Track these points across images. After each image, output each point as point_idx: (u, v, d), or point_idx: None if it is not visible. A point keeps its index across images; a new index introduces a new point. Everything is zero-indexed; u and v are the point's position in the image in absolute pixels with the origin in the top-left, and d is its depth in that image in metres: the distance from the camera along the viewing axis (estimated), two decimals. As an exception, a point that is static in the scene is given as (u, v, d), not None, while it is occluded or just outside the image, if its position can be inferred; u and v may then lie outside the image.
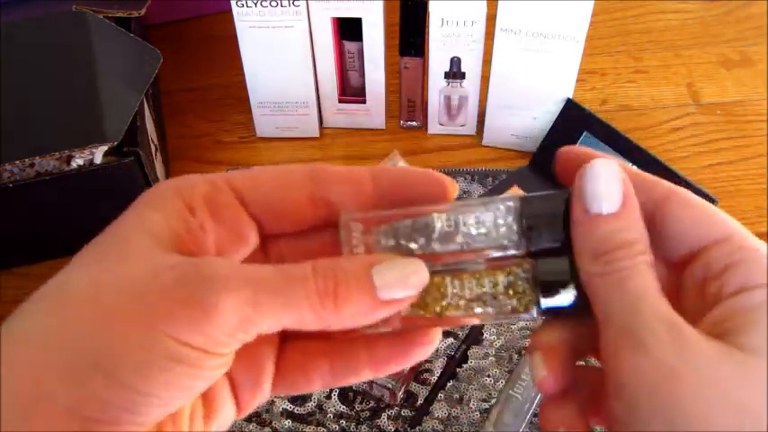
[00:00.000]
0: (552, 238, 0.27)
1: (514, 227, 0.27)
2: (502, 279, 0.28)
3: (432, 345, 0.29)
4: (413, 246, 0.28)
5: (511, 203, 0.28)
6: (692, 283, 0.27)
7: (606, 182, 0.26)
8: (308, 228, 0.29)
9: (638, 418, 0.23)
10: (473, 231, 0.28)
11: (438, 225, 0.27)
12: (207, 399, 0.27)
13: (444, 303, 0.28)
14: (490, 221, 0.28)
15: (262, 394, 0.29)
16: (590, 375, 0.29)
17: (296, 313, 0.25)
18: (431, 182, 0.28)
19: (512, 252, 0.28)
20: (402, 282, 0.26)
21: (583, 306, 0.27)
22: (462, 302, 0.28)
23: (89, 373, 0.23)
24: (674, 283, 0.27)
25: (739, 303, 0.24)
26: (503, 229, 0.28)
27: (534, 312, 0.28)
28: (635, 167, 0.28)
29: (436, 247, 0.28)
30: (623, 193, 0.26)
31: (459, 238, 0.27)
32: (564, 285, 0.27)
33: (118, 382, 0.23)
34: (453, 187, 0.28)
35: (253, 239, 0.28)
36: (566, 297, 0.27)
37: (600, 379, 0.26)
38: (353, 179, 0.28)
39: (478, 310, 0.28)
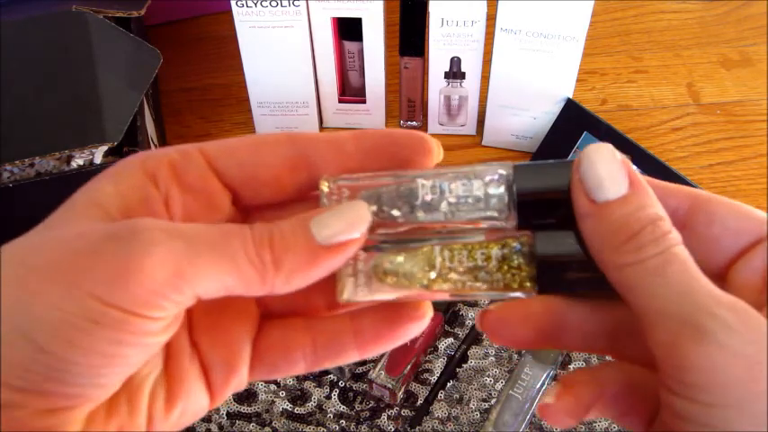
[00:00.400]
0: (548, 213, 0.25)
1: (505, 198, 0.25)
2: (495, 252, 0.26)
3: (422, 320, 0.27)
4: (395, 213, 0.26)
5: (503, 171, 0.25)
6: (746, 278, 0.25)
7: (606, 165, 0.24)
8: (289, 197, 0.27)
9: (716, 415, 0.21)
10: (459, 200, 0.26)
11: (422, 192, 0.26)
12: (170, 380, 0.26)
13: (432, 276, 0.26)
14: (479, 190, 0.25)
15: (238, 379, 0.27)
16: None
17: (233, 269, 0.23)
18: (415, 141, 0.26)
19: (501, 224, 0.26)
20: (340, 223, 0.24)
21: (589, 285, 0.25)
22: (452, 275, 0.26)
23: (13, 337, 0.21)
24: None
25: None
26: (492, 200, 0.25)
27: (530, 291, 0.26)
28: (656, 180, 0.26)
29: (420, 214, 0.26)
30: (627, 173, 0.24)
31: (444, 207, 0.26)
32: (566, 261, 0.25)
33: (36, 347, 0.21)
34: (438, 147, 0.27)
35: (225, 208, 0.27)
36: (568, 274, 0.25)
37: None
38: (335, 142, 0.26)
39: (469, 284, 0.26)
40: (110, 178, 0.25)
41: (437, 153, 0.26)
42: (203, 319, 0.27)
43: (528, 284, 0.25)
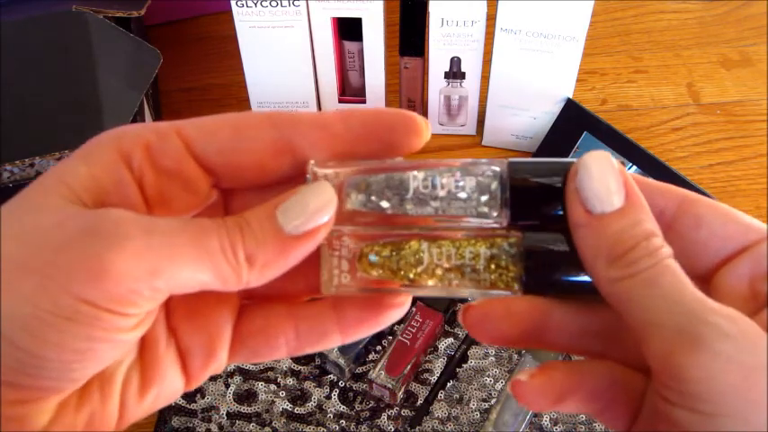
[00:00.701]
0: (540, 211, 0.25)
1: (498, 195, 0.25)
2: (483, 251, 0.25)
3: (402, 307, 0.27)
4: (384, 204, 0.25)
5: (497, 168, 0.25)
6: (731, 285, 0.25)
7: (604, 176, 0.24)
8: (274, 180, 0.26)
9: (714, 423, 0.21)
10: (451, 195, 0.25)
11: (414, 184, 0.25)
12: (145, 366, 0.25)
13: (418, 270, 0.25)
14: (471, 187, 0.25)
15: (216, 364, 0.26)
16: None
17: (210, 267, 0.23)
18: (403, 121, 0.25)
19: (492, 223, 0.25)
20: (306, 210, 0.24)
21: (576, 288, 0.25)
22: (439, 271, 0.25)
23: None
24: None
25: None
26: (484, 197, 0.25)
27: (516, 291, 0.25)
28: (647, 177, 0.26)
29: (409, 207, 0.25)
30: (624, 183, 0.24)
31: (435, 202, 0.25)
32: (555, 264, 0.25)
33: (8, 341, 0.21)
34: (426, 127, 0.26)
35: (203, 191, 0.26)
36: (556, 277, 0.25)
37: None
38: (321, 123, 0.25)
39: (455, 281, 0.25)
40: (82, 159, 0.24)
41: (425, 133, 0.26)
42: (182, 306, 0.26)
43: (514, 284, 0.25)
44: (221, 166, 0.26)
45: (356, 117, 0.25)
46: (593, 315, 0.26)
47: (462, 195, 0.25)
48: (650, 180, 0.26)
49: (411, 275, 0.25)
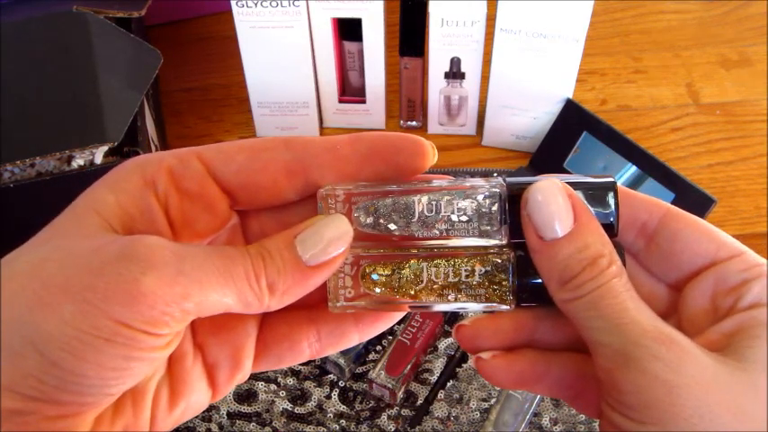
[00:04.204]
0: None
1: (498, 216, 0.27)
2: (479, 268, 0.27)
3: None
4: (392, 226, 0.27)
5: (497, 190, 0.27)
6: (695, 298, 0.27)
7: (552, 203, 0.25)
8: (287, 201, 0.28)
9: (643, 428, 0.24)
10: (454, 218, 0.27)
11: (419, 208, 0.27)
12: (173, 381, 0.27)
13: (418, 288, 0.28)
14: (473, 209, 0.27)
15: (242, 374, 0.28)
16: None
17: (236, 294, 0.24)
18: (410, 145, 0.27)
19: (493, 241, 0.27)
20: (324, 241, 0.25)
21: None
22: (436, 287, 0.28)
23: (26, 349, 0.22)
24: (668, 300, 0.28)
25: (753, 317, 0.25)
26: (485, 219, 0.27)
27: (510, 305, 0.27)
28: (646, 177, 0.28)
29: (415, 229, 0.27)
30: (573, 207, 0.25)
31: (441, 225, 0.27)
32: (540, 281, 0.27)
33: (49, 361, 0.22)
34: (433, 150, 0.27)
35: (223, 212, 0.28)
36: (544, 292, 0.26)
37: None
38: (331, 146, 0.27)
39: (451, 296, 0.28)
40: (109, 187, 0.26)
41: (431, 156, 0.27)
42: (207, 322, 0.27)
43: (508, 298, 0.27)
44: (239, 186, 0.27)
45: (364, 141, 0.27)
46: (571, 327, 0.27)
47: (464, 218, 0.27)
48: (636, 193, 0.28)
49: (412, 292, 0.28)
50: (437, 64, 0.69)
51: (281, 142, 0.27)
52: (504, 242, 0.27)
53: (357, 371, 0.57)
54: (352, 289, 0.28)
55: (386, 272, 0.28)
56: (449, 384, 0.57)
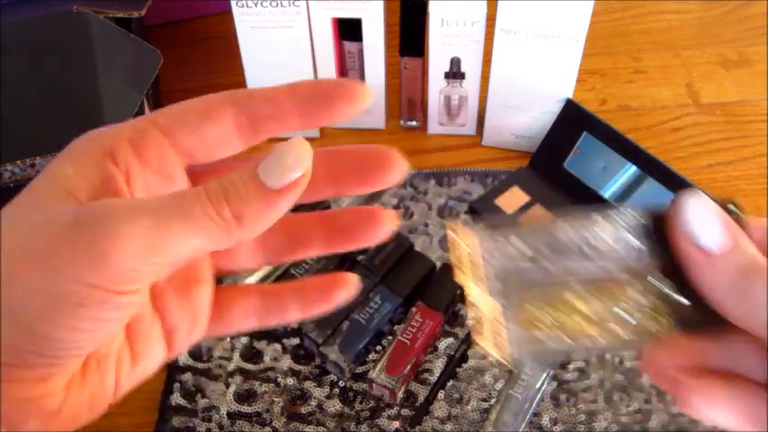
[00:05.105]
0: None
1: (643, 248, 0.27)
2: (636, 302, 0.27)
3: (347, 288, 0.31)
4: (548, 265, 0.27)
5: (644, 221, 0.27)
6: None
7: (711, 213, 0.26)
8: (238, 152, 0.29)
9: None
10: (598, 248, 0.27)
11: (562, 237, 0.27)
12: (133, 344, 0.28)
13: (578, 322, 0.27)
14: (615, 240, 0.27)
15: (196, 335, 0.30)
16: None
17: (199, 231, 0.24)
18: (341, 88, 0.28)
19: (643, 271, 0.27)
20: (285, 165, 0.25)
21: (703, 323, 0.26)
22: (596, 322, 0.27)
23: (4, 322, 0.23)
24: None
25: None
26: (632, 250, 0.27)
27: (669, 332, 0.27)
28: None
29: (571, 264, 0.27)
30: (725, 224, 0.26)
31: (594, 258, 0.27)
32: (702, 320, 0.26)
33: (26, 329, 0.23)
34: (364, 92, 0.28)
35: (181, 176, 0.29)
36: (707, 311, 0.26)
37: None
38: (272, 98, 0.28)
39: (612, 327, 0.27)
40: (69, 161, 0.26)
41: (363, 96, 0.28)
42: (168, 288, 0.29)
43: (667, 328, 0.27)
44: (194, 145, 0.28)
45: (300, 89, 0.28)
46: (723, 341, 0.27)
47: (614, 254, 0.27)
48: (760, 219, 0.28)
49: (569, 327, 0.27)
50: (437, 64, 0.69)
51: (229, 99, 0.28)
52: (654, 271, 0.27)
53: (357, 371, 0.57)
54: (513, 339, 0.28)
55: (541, 311, 0.28)
56: (449, 384, 0.57)
